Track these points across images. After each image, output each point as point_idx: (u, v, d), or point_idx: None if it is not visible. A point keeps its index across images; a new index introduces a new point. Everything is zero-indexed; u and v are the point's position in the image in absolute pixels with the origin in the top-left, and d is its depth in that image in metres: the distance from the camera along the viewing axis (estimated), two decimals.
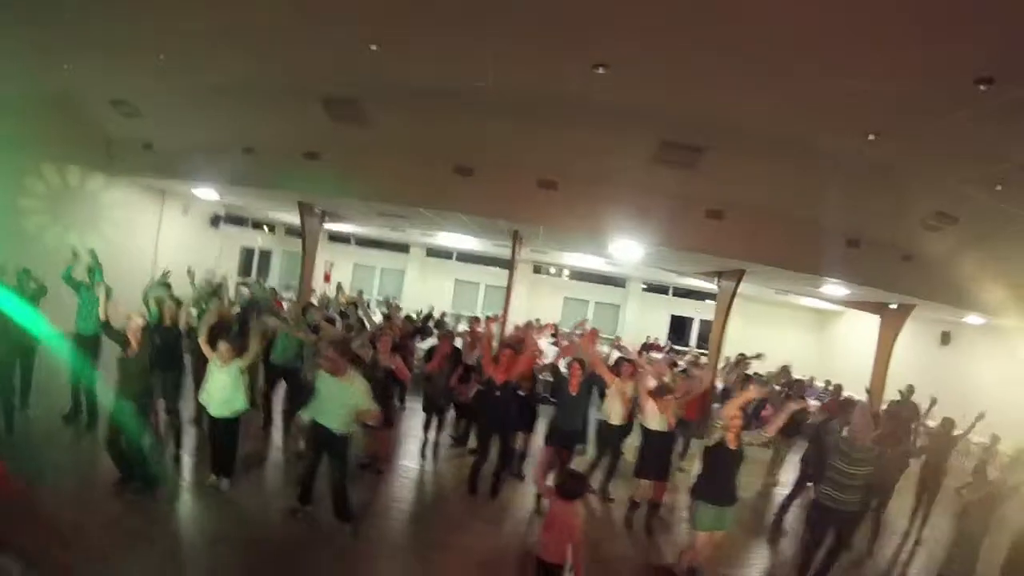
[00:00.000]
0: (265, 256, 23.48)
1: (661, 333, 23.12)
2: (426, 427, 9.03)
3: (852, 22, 5.44)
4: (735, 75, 6.79)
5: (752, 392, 6.93)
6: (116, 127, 12.64)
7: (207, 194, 14.51)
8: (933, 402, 9.85)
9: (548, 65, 7.37)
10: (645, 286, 24.05)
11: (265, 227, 22.60)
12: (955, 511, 6.00)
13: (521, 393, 8.17)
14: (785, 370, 13.57)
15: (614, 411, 8.22)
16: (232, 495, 6.80)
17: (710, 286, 15.58)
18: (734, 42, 6.11)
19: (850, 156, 8.28)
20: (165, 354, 7.29)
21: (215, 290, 9.39)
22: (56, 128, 12.04)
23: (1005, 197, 8.46)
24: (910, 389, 11.20)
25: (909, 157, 8.10)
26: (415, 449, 9.14)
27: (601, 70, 7.12)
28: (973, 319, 15.45)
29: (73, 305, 8.25)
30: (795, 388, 10.98)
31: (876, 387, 14.34)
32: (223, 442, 6.82)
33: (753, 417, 9.79)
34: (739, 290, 13.43)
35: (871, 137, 7.61)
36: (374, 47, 7.49)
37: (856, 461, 6.58)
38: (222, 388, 6.57)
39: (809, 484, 8.53)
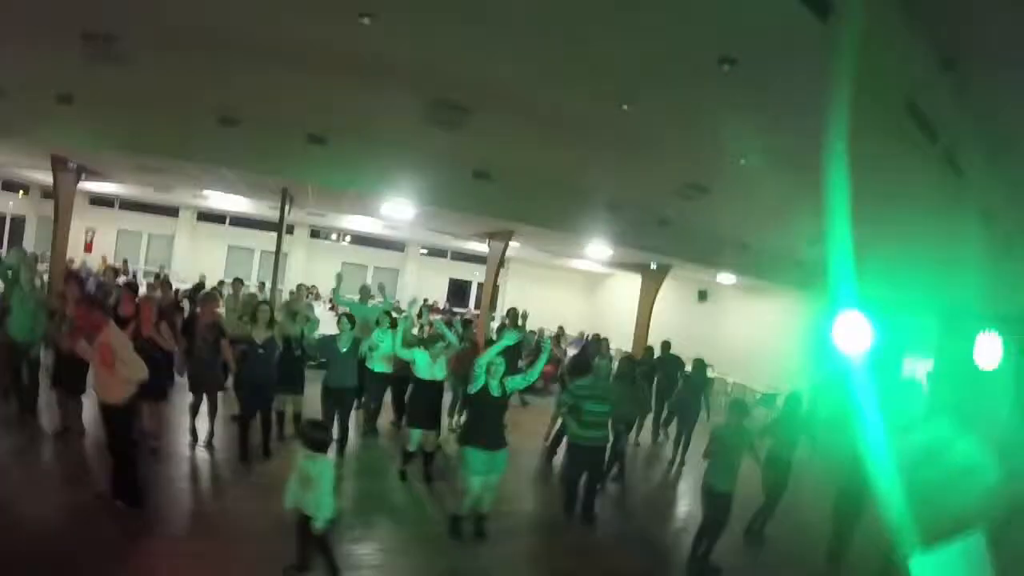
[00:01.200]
0: (18, 223, 19.94)
1: (440, 297, 23.06)
2: (194, 408, 7.92)
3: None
4: (494, 38, 6.60)
5: None
6: None
7: None
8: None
9: (314, 9, 6.65)
10: (424, 251, 23.95)
11: (19, 191, 19.17)
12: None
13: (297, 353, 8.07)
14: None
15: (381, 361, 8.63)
16: None
17: (486, 250, 15.69)
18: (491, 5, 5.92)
19: (606, 124, 8.44)
20: None
21: None
22: None
23: (750, 170, 9.06)
24: (666, 344, 12.22)
25: (658, 128, 8.41)
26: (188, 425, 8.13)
27: (367, 20, 6.53)
28: (725, 278, 17.12)
29: None
30: (562, 340, 11.54)
31: (638, 338, 15.44)
32: None
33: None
34: (517, 255, 13.62)
35: (624, 107, 7.77)
36: None
37: (598, 400, 7.17)
38: None
39: None
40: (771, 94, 6.50)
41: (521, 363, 10.29)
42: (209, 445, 7.80)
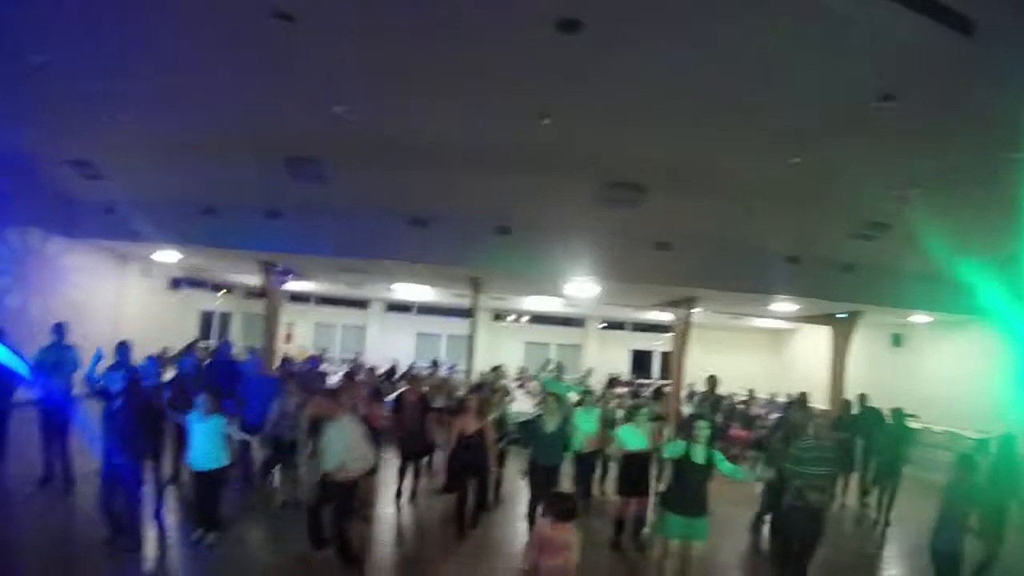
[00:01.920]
0: (224, 319, 23.06)
1: (623, 369, 23.30)
2: (401, 473, 9.01)
3: (754, 63, 6.01)
4: (666, 122, 7.39)
5: None
6: (78, 189, 12.25)
7: (167, 256, 14.40)
8: None
9: (497, 116, 7.81)
10: (604, 324, 24.45)
11: (223, 289, 22.21)
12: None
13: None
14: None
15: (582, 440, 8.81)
16: (221, 549, 6.78)
17: (666, 318, 15.95)
18: (661, 95, 6.70)
19: (778, 180, 8.82)
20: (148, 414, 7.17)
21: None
22: (17, 190, 11.50)
23: (928, 201, 8.93)
24: (863, 397, 11.73)
25: (829, 175, 8.67)
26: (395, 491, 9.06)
27: (546, 120, 7.56)
28: (920, 318, 16.06)
29: None
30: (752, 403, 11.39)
31: (833, 394, 14.79)
32: (207, 496, 6.85)
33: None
34: (695, 319, 13.82)
35: (795, 160, 8.14)
36: (338, 109, 7.72)
37: (820, 462, 6.75)
38: (204, 441, 6.63)
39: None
40: (933, 120, 6.64)
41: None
42: (414, 509, 8.66)
